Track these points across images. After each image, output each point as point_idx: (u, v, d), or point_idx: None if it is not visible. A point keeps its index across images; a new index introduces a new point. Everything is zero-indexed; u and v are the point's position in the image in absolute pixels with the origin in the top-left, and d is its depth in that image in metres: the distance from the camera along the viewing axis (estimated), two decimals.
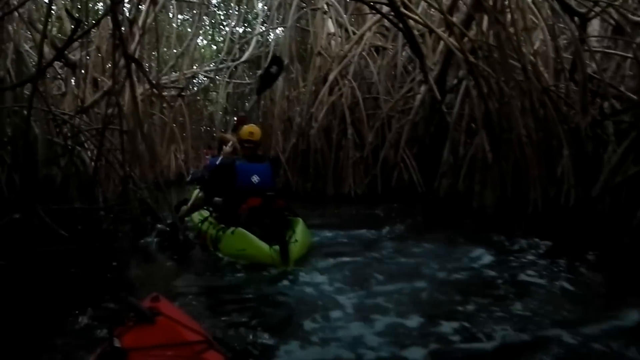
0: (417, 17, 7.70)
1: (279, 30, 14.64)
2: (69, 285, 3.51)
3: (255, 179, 4.36)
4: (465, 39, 7.20)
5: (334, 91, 9.71)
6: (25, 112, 5.27)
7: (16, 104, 5.30)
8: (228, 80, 15.62)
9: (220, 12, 22.06)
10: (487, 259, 4.03)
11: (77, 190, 5.47)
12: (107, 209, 5.30)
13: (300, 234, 4.11)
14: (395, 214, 7.34)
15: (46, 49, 6.49)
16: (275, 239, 3.83)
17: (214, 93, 18.87)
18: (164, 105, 12.88)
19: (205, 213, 5.01)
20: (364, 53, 9.46)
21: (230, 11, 20.64)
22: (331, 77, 9.59)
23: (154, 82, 6.01)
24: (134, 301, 1.70)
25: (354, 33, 10.12)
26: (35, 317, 2.87)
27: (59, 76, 8.17)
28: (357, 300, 3.08)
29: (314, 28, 10.81)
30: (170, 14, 14.20)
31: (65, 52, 6.72)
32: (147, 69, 8.67)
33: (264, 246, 3.81)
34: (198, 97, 18.05)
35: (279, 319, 2.90)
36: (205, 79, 17.85)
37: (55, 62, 7.34)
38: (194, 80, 17.54)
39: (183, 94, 13.45)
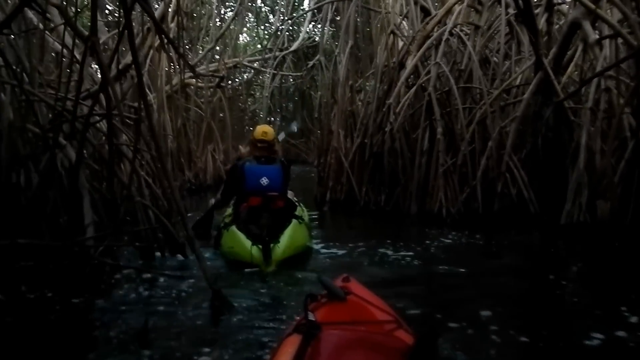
0: None
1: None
2: None
3: (264, 181, 4.34)
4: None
5: (409, 80, 7.64)
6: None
7: None
8: (275, 71, 13.70)
9: (265, 8, 20.65)
10: None
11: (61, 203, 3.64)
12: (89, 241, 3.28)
13: (286, 236, 4.05)
14: (519, 251, 5.19)
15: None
16: (269, 238, 3.86)
17: (258, 87, 17.11)
18: (200, 83, 11.14)
19: (228, 212, 4.92)
20: (456, 30, 7.32)
21: (277, 7, 19.05)
22: (410, 62, 7.50)
23: (180, 52, 4.06)
24: (327, 280, 1.79)
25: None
26: None
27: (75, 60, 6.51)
28: None
29: (385, 3, 8.75)
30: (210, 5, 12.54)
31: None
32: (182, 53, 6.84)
33: (247, 245, 3.87)
34: (239, 93, 16.16)
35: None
36: (248, 73, 16.07)
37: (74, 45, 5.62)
38: (237, 74, 15.73)
39: (223, 84, 11.67)
